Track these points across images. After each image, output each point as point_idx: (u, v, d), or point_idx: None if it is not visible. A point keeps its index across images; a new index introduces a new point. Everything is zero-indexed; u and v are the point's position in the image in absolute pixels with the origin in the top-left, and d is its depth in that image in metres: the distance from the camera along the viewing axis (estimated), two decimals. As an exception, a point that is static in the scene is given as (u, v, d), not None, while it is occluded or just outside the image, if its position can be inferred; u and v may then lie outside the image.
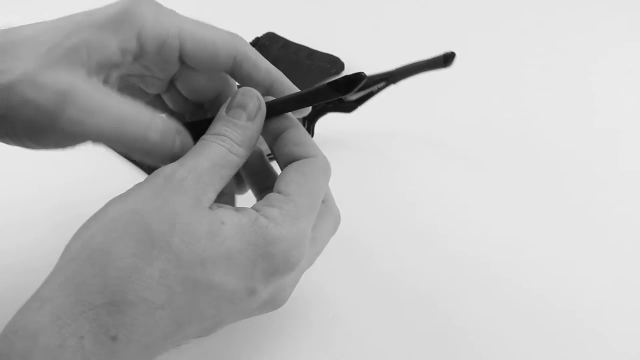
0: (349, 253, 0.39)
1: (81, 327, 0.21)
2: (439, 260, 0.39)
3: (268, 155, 0.34)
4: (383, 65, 0.61)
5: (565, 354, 0.33)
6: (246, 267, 0.25)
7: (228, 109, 0.28)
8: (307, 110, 0.31)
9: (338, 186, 0.33)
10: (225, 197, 0.33)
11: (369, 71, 0.60)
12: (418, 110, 0.53)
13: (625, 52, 0.63)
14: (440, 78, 0.58)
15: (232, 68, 0.31)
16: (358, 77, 0.26)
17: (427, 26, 0.70)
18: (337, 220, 0.31)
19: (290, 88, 0.32)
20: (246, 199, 0.34)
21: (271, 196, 0.27)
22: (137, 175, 0.48)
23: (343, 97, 0.30)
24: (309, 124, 0.48)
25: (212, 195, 0.26)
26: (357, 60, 0.61)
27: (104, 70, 0.28)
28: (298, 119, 0.31)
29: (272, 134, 0.30)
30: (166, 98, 0.33)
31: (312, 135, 0.46)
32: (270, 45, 0.64)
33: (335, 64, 0.60)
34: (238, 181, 0.34)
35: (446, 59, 0.41)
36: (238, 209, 0.26)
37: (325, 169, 0.29)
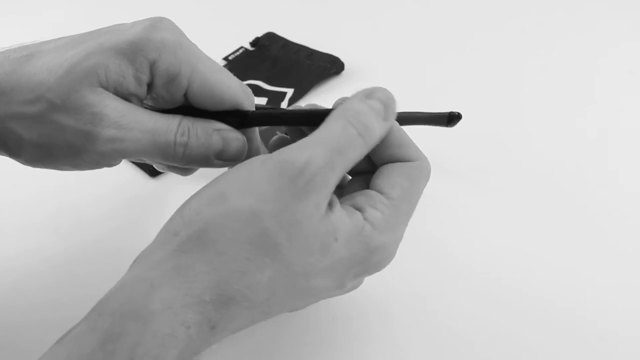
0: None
1: (189, 318, 0.22)
2: (439, 262, 0.39)
3: None
4: (383, 65, 0.61)
5: (568, 354, 0.33)
6: (344, 273, 0.26)
7: (367, 97, 0.26)
8: None
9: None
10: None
11: (369, 72, 0.60)
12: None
13: (626, 52, 0.63)
14: (440, 78, 0.58)
15: None
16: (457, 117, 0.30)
17: (427, 26, 0.70)
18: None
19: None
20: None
21: (376, 197, 0.27)
22: (137, 176, 0.48)
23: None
24: None
25: (329, 198, 0.25)
26: (357, 60, 0.60)
27: (120, 95, 0.28)
28: None
29: None
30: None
31: None
32: (270, 45, 0.64)
33: (335, 64, 0.60)
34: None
35: (450, 119, 0.37)
36: (349, 212, 0.26)
37: (428, 174, 0.29)
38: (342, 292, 0.28)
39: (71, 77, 0.26)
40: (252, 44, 0.65)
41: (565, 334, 0.34)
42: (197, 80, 0.28)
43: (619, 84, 0.58)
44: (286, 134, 0.34)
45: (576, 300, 0.36)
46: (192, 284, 0.22)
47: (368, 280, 0.37)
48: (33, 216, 0.44)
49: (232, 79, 0.29)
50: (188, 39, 0.29)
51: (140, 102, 0.29)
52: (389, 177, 0.27)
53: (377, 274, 0.38)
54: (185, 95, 0.29)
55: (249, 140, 0.31)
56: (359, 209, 0.26)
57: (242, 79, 0.59)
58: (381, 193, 0.27)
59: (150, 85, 0.28)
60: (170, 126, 0.28)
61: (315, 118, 0.28)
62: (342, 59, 0.60)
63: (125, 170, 0.48)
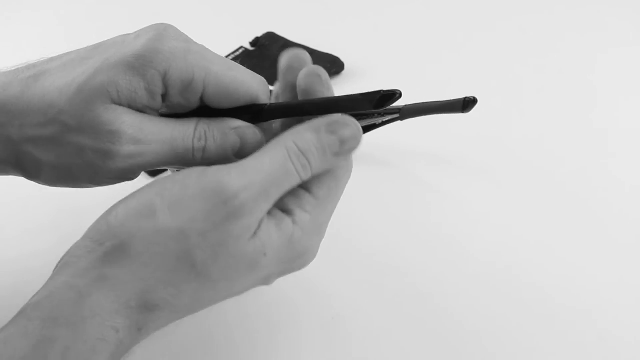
0: (350, 254, 0.39)
1: (118, 323, 0.23)
2: (439, 261, 0.39)
3: None
4: (383, 65, 0.61)
5: (570, 350, 0.33)
6: (270, 276, 0.27)
7: (331, 133, 0.26)
8: None
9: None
10: None
11: (369, 72, 0.60)
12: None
13: (627, 52, 0.63)
14: (440, 78, 0.58)
15: None
16: (393, 94, 0.26)
17: (427, 26, 0.69)
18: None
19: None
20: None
21: (304, 198, 0.27)
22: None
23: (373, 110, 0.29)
24: None
25: (260, 222, 0.25)
26: (357, 60, 0.60)
27: (134, 108, 0.28)
28: None
29: None
30: None
31: None
32: (270, 45, 0.64)
33: (335, 63, 0.60)
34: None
35: (466, 105, 0.37)
36: (277, 221, 0.26)
37: (350, 173, 0.29)
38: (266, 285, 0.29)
39: (82, 97, 0.26)
40: (252, 44, 0.65)
41: (568, 331, 0.34)
42: (212, 82, 0.28)
43: (619, 83, 0.58)
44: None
45: (579, 297, 0.36)
46: (118, 292, 0.23)
47: (368, 280, 0.38)
48: (34, 217, 0.44)
49: (246, 74, 0.29)
50: (195, 43, 0.29)
51: (156, 112, 0.29)
52: (319, 177, 0.27)
53: (377, 273, 0.38)
54: (201, 98, 0.29)
55: (267, 131, 0.30)
56: (287, 212, 0.26)
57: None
58: (309, 192, 0.27)
59: (164, 95, 0.28)
60: (187, 132, 0.28)
61: (335, 107, 0.27)
62: (342, 59, 0.60)
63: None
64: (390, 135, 0.44)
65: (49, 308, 0.22)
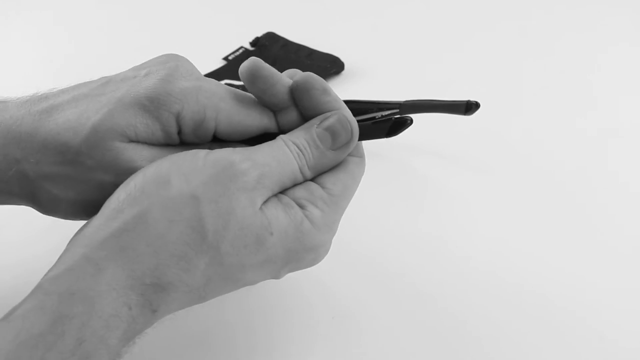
0: (350, 254, 0.39)
1: (130, 299, 0.23)
2: (439, 261, 0.39)
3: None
4: (383, 65, 0.61)
5: (568, 353, 0.33)
6: (279, 267, 0.27)
7: (319, 127, 0.28)
8: None
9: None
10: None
11: (369, 72, 0.60)
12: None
13: (627, 52, 0.63)
14: (440, 78, 0.58)
15: None
16: (404, 121, 0.29)
17: (427, 26, 0.70)
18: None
19: None
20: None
21: (316, 192, 0.27)
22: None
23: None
24: None
25: (264, 199, 0.26)
26: (357, 60, 0.61)
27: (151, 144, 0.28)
28: None
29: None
30: None
31: None
32: (270, 45, 0.64)
33: (335, 63, 0.60)
34: None
35: (468, 108, 0.37)
36: (285, 208, 0.26)
37: (364, 169, 0.30)
38: (276, 279, 0.29)
39: (99, 137, 0.26)
40: (252, 44, 0.65)
41: (565, 333, 0.34)
42: (224, 120, 0.28)
43: (620, 83, 0.58)
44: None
45: (576, 299, 0.36)
46: (134, 265, 0.23)
47: (368, 280, 0.38)
48: (34, 218, 0.44)
49: (257, 107, 0.29)
50: (205, 79, 0.29)
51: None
52: (333, 173, 0.28)
53: (377, 273, 0.38)
54: (214, 134, 0.29)
55: None
56: (299, 205, 0.27)
57: (242, 78, 0.60)
58: (323, 187, 0.28)
59: (179, 133, 0.28)
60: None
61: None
62: (342, 59, 0.60)
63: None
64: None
65: (67, 282, 0.23)
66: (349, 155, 0.29)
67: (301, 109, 0.29)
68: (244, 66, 0.28)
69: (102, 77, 0.29)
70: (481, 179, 0.46)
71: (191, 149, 0.28)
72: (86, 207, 0.28)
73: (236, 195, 0.25)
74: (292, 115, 0.29)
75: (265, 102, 0.29)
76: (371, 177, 0.46)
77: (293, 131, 0.28)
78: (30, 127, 0.27)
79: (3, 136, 0.27)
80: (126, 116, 0.26)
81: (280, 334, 0.34)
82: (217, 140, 0.29)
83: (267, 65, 0.28)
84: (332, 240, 0.29)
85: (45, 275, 0.24)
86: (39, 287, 0.23)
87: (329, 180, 0.28)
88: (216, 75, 0.61)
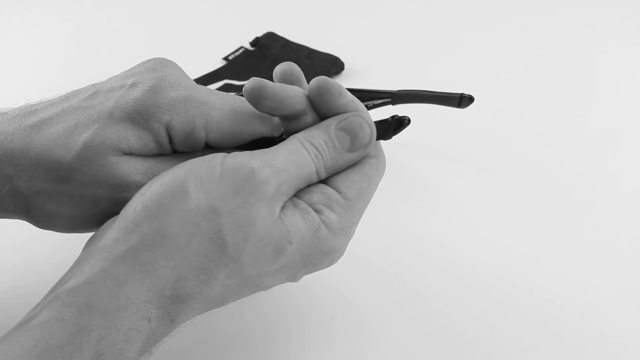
0: (350, 254, 0.39)
1: (150, 312, 0.23)
2: (439, 261, 0.39)
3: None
4: (383, 65, 0.61)
5: (567, 354, 0.33)
6: (296, 272, 0.27)
7: (337, 127, 0.28)
8: None
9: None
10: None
11: (369, 72, 0.60)
12: (416, 111, 0.53)
13: (628, 52, 0.63)
14: (440, 78, 0.58)
15: None
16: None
17: (426, 26, 0.70)
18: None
19: None
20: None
21: (333, 197, 0.27)
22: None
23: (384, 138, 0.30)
24: None
25: (282, 205, 0.26)
26: (357, 60, 0.61)
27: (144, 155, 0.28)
28: None
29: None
30: None
31: None
32: (270, 45, 0.64)
33: (335, 63, 0.60)
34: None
35: (462, 101, 0.37)
36: (303, 214, 0.26)
37: (384, 170, 0.29)
38: (293, 282, 0.29)
39: (92, 152, 0.26)
40: (252, 44, 0.65)
41: (565, 333, 0.34)
42: (214, 128, 0.28)
43: (620, 83, 0.58)
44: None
45: (576, 300, 0.36)
46: (153, 279, 0.23)
47: (368, 280, 0.38)
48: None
49: (248, 114, 0.29)
50: (194, 87, 0.28)
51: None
52: (348, 175, 0.28)
53: (377, 274, 0.38)
54: (206, 143, 0.29)
55: None
56: (316, 210, 0.27)
57: (242, 78, 0.60)
58: (338, 192, 0.27)
59: (170, 142, 0.28)
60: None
61: None
62: (342, 58, 0.60)
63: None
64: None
65: (86, 295, 0.22)
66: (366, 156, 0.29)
67: (319, 113, 0.29)
68: (247, 89, 0.27)
69: (90, 86, 0.29)
70: (480, 179, 0.46)
71: (186, 158, 0.28)
72: (81, 221, 0.28)
73: (256, 205, 0.24)
74: (307, 119, 0.29)
75: (279, 116, 0.29)
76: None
77: (309, 130, 0.28)
78: (21, 144, 0.26)
79: None
80: (117, 130, 0.26)
81: (280, 334, 0.34)
82: (210, 148, 0.29)
83: (270, 84, 0.27)
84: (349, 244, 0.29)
85: (60, 284, 0.23)
86: (56, 298, 0.23)
87: (344, 183, 0.28)
88: (216, 75, 0.61)
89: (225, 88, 0.58)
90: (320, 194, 0.27)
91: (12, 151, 0.26)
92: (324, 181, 0.28)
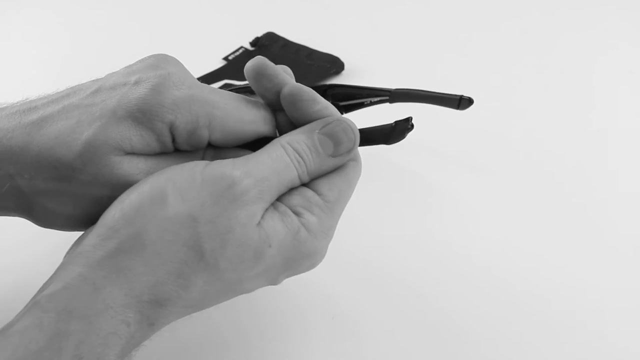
0: (349, 253, 0.39)
1: (129, 317, 0.23)
2: (439, 261, 0.39)
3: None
4: (382, 65, 0.61)
5: (568, 353, 0.33)
6: (276, 275, 0.27)
7: (321, 132, 0.28)
8: None
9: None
10: None
11: (369, 72, 0.60)
12: (416, 112, 0.52)
13: (627, 52, 0.63)
14: (439, 78, 0.58)
15: None
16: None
17: (426, 26, 0.70)
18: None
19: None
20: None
21: (312, 199, 0.27)
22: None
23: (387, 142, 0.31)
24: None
25: (263, 213, 0.26)
26: (357, 60, 0.61)
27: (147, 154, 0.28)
28: None
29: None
30: None
31: None
32: (270, 45, 0.64)
33: (335, 63, 0.60)
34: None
35: (461, 103, 0.37)
36: (282, 217, 0.26)
37: (360, 173, 0.30)
38: (274, 285, 0.29)
39: (94, 152, 0.26)
40: (252, 44, 0.65)
41: (566, 333, 0.34)
42: (217, 128, 0.28)
43: (620, 83, 0.58)
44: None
45: (577, 299, 0.36)
46: (131, 284, 0.23)
47: (368, 280, 0.38)
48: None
49: (250, 113, 0.29)
50: (197, 86, 0.28)
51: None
52: (329, 179, 0.28)
53: (377, 273, 0.38)
54: (209, 141, 0.29)
55: None
56: (295, 213, 0.27)
57: (242, 78, 0.60)
58: (319, 194, 0.27)
59: (173, 141, 0.28)
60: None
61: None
62: (342, 58, 0.60)
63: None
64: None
65: (64, 301, 0.22)
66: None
67: (292, 120, 0.29)
68: (249, 64, 0.28)
69: (92, 82, 0.28)
70: (481, 179, 0.46)
71: (187, 157, 0.28)
72: (83, 220, 0.28)
73: (235, 214, 0.24)
74: (286, 117, 0.29)
75: (269, 101, 0.29)
76: (370, 177, 0.46)
77: (293, 133, 0.28)
78: (22, 141, 0.26)
79: None
80: (120, 129, 0.26)
81: (280, 334, 0.34)
82: (212, 147, 0.29)
83: (272, 64, 0.28)
84: (329, 246, 0.29)
85: (40, 291, 0.23)
86: (36, 304, 0.23)
87: (324, 186, 0.28)
88: (216, 75, 0.61)
89: (225, 88, 0.58)
90: (299, 196, 0.27)
91: (12, 149, 0.26)
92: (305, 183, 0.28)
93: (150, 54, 0.29)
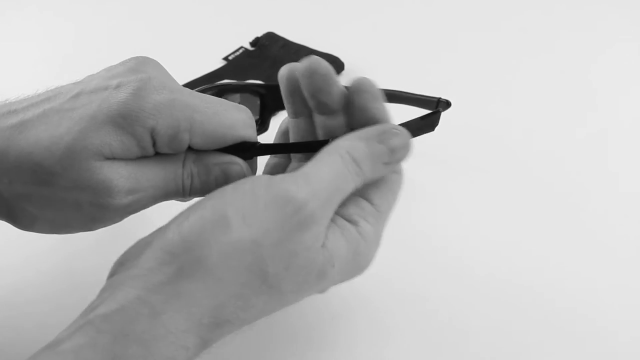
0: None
1: (188, 341, 0.23)
2: (438, 262, 0.39)
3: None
4: (382, 65, 0.61)
5: (568, 353, 0.33)
6: (330, 286, 0.28)
7: (382, 142, 0.28)
8: None
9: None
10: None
11: (369, 72, 0.60)
12: (416, 112, 0.52)
13: (627, 52, 0.63)
14: (439, 78, 0.58)
15: None
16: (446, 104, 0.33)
17: (426, 26, 0.70)
18: None
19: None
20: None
21: (367, 208, 0.28)
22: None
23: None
24: (265, 118, 0.43)
25: (326, 230, 0.26)
26: (357, 60, 0.61)
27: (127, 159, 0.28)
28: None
29: None
30: None
31: (267, 130, 0.43)
32: (270, 45, 0.64)
33: (335, 63, 0.60)
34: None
35: (438, 105, 0.38)
36: (343, 232, 0.26)
37: (402, 185, 0.30)
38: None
39: (74, 157, 0.25)
40: (252, 44, 0.65)
41: (566, 333, 0.34)
42: (198, 132, 0.28)
43: (620, 83, 0.58)
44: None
45: (575, 299, 0.36)
46: (191, 309, 0.23)
47: (367, 279, 0.37)
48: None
49: (231, 117, 0.28)
50: (178, 90, 0.27)
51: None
52: (380, 189, 0.29)
53: (376, 273, 0.38)
54: (190, 145, 0.28)
55: (253, 162, 0.31)
56: (352, 222, 0.27)
57: (242, 78, 0.60)
58: (371, 204, 0.28)
59: (154, 146, 0.28)
60: (177, 172, 0.28)
61: (318, 147, 0.28)
62: (342, 58, 0.60)
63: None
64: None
65: (120, 323, 0.22)
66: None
67: (351, 111, 0.29)
68: (304, 62, 0.28)
69: (73, 85, 0.28)
70: (479, 179, 0.46)
71: (168, 161, 0.28)
72: (63, 224, 0.28)
73: (301, 238, 0.24)
74: (338, 121, 0.30)
75: (317, 102, 0.29)
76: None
77: (350, 139, 0.27)
78: (1, 145, 0.26)
79: None
80: (100, 134, 0.26)
81: (279, 334, 0.34)
82: (192, 150, 0.29)
83: (326, 63, 0.29)
84: None
85: (91, 309, 0.23)
86: (89, 323, 0.22)
87: (376, 195, 0.28)
88: (216, 75, 0.61)
89: (207, 91, 0.58)
90: (355, 205, 0.28)
91: None
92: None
93: (131, 57, 0.29)
